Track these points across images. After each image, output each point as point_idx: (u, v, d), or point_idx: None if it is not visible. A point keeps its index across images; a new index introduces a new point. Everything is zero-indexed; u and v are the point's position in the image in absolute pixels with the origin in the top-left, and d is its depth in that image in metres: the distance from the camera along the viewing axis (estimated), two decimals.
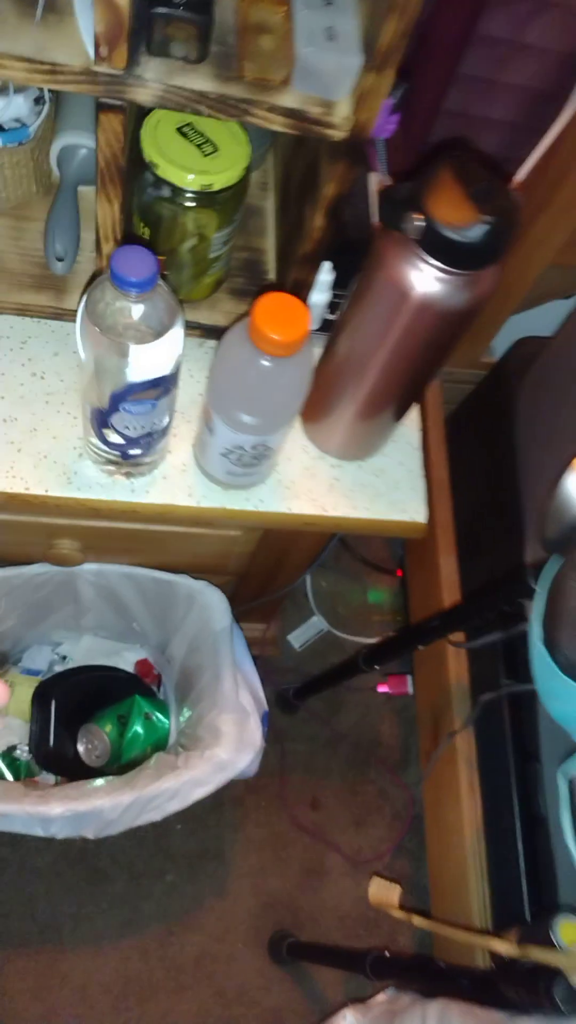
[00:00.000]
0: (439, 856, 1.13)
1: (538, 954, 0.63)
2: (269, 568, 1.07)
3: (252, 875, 1.34)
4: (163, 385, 0.61)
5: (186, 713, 1.11)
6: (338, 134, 0.59)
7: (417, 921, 0.89)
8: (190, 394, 0.80)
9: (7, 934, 1.23)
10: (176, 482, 0.76)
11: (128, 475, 0.74)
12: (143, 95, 0.55)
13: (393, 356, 0.65)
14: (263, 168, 0.92)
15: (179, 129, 0.68)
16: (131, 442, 0.67)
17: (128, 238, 0.68)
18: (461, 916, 1.02)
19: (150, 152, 0.67)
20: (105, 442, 0.68)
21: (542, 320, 1.19)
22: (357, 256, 0.86)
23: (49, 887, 1.26)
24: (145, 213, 0.72)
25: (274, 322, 0.57)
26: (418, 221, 0.54)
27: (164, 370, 0.59)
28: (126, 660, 1.27)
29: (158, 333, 0.56)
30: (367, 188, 0.81)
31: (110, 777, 1.01)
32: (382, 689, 1.49)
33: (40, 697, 1.15)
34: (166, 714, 1.19)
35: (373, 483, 0.81)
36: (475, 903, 1.00)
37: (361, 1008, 0.93)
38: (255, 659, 1.13)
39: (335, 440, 0.79)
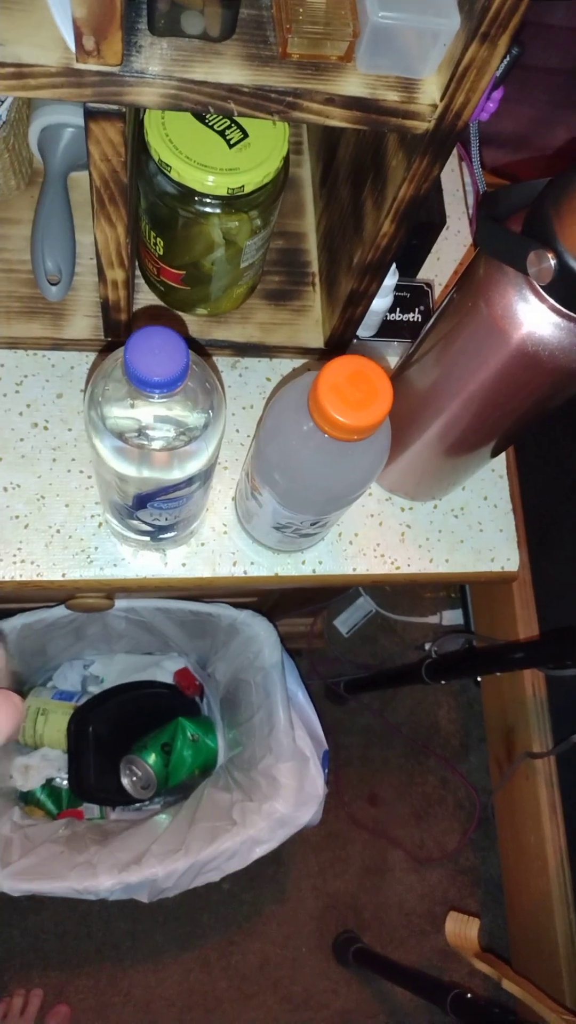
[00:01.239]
0: (517, 874, 1.06)
1: None
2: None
3: (311, 877, 1.28)
4: (200, 479, 0.47)
5: (236, 747, 1.01)
6: (422, 125, 0.42)
7: (508, 985, 0.81)
8: (226, 434, 0.66)
9: (65, 954, 1.19)
10: (216, 549, 0.63)
11: (159, 549, 0.61)
12: (148, 96, 0.39)
13: (491, 408, 0.51)
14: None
15: (196, 112, 0.51)
16: (162, 528, 0.54)
17: (149, 314, 0.52)
18: (545, 947, 0.95)
19: (159, 148, 0.50)
20: (131, 528, 0.55)
21: None
22: (422, 241, 0.69)
23: (102, 904, 1.21)
24: (156, 219, 0.56)
25: (345, 400, 0.43)
26: (548, 262, 0.38)
27: (202, 465, 0.45)
28: (165, 670, 1.17)
29: (193, 429, 0.42)
30: None
31: (160, 815, 0.94)
32: None
33: (76, 727, 1.05)
34: (212, 733, 1.10)
35: (453, 526, 0.67)
36: (562, 935, 0.93)
37: None
38: (302, 652, 1.02)
39: (408, 480, 0.65)
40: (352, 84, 0.40)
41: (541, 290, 0.40)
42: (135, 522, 0.52)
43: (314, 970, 1.24)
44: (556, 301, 0.40)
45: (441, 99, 0.40)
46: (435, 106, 0.41)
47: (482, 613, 1.24)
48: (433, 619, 1.42)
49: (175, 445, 0.42)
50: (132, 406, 0.41)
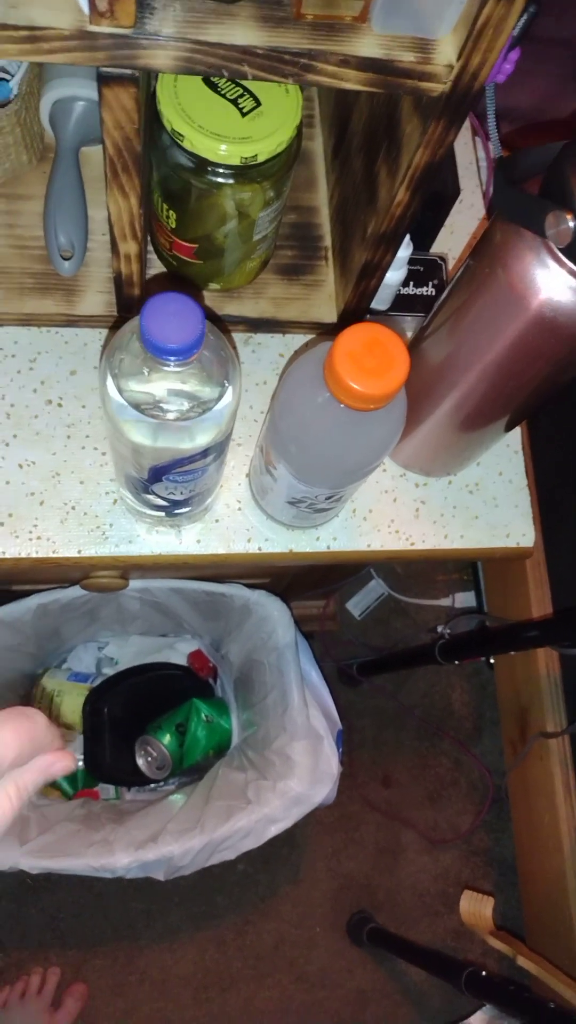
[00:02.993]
0: (531, 854, 1.06)
1: None
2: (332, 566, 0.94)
3: (326, 858, 1.29)
4: (215, 451, 0.47)
5: (250, 727, 1.01)
6: (438, 87, 0.41)
7: (523, 962, 0.81)
8: (240, 410, 0.66)
9: (81, 933, 1.20)
10: (231, 525, 0.63)
11: (174, 525, 0.61)
12: (161, 59, 0.39)
13: (508, 378, 0.50)
14: (306, 95, 0.73)
15: (208, 80, 0.51)
16: (177, 503, 0.54)
17: (163, 281, 0.52)
18: (561, 925, 0.95)
19: (172, 117, 0.50)
20: (145, 504, 0.54)
21: None
22: (436, 212, 0.69)
23: (118, 884, 1.22)
24: (169, 192, 0.56)
25: (362, 368, 0.42)
26: (568, 223, 0.38)
27: (216, 438, 0.45)
28: (179, 652, 1.18)
29: (208, 401, 0.42)
30: None
31: (175, 795, 0.94)
32: None
33: (92, 708, 1.06)
34: (226, 714, 1.10)
35: (467, 502, 0.67)
36: (575, 910, 0.93)
37: None
38: (315, 635, 1.02)
39: (423, 455, 0.65)
40: (367, 45, 0.40)
41: (560, 253, 0.40)
42: (150, 496, 0.52)
43: (329, 950, 1.25)
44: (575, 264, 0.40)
45: (457, 59, 0.40)
46: (451, 67, 0.40)
47: (495, 594, 1.23)
48: (446, 601, 1.41)
49: (190, 415, 0.41)
50: (147, 375, 0.40)
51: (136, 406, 0.42)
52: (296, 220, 0.69)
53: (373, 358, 0.42)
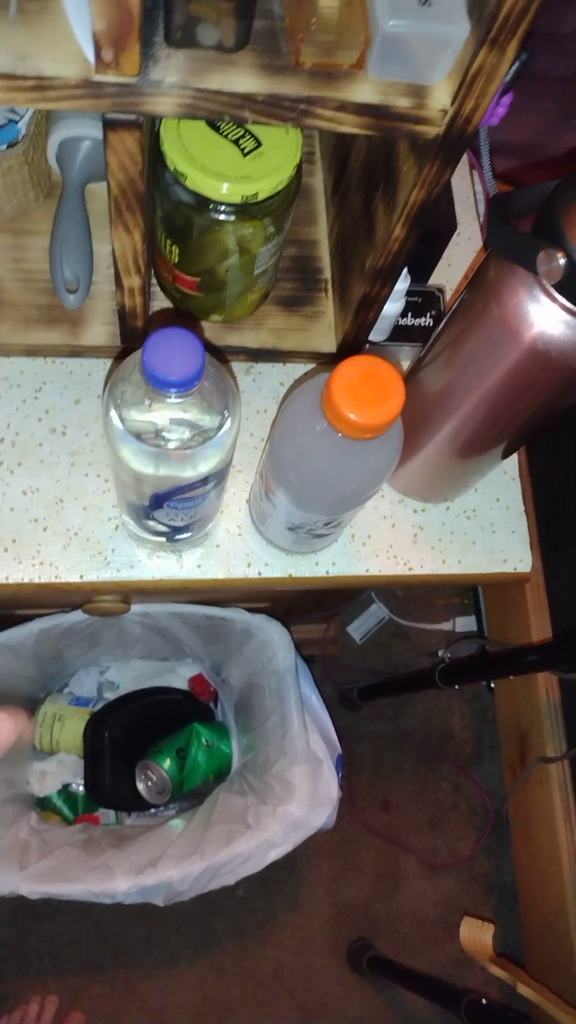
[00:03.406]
0: (531, 879, 1.05)
1: None
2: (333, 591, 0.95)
3: (325, 884, 1.28)
4: (215, 479, 0.48)
5: (250, 752, 1.01)
6: (432, 130, 0.43)
7: (523, 990, 0.81)
8: (240, 438, 0.67)
9: (80, 961, 1.20)
10: (231, 551, 0.64)
11: (175, 551, 0.62)
12: (165, 106, 0.40)
13: (503, 408, 0.51)
14: (307, 133, 0.75)
15: (210, 121, 0.52)
16: (178, 530, 0.55)
17: (165, 316, 0.53)
18: (561, 951, 0.95)
19: (175, 157, 0.51)
20: (147, 529, 0.55)
21: None
22: (432, 247, 0.70)
23: (117, 910, 1.22)
24: (172, 228, 0.57)
25: (358, 399, 0.43)
26: (558, 261, 0.39)
27: (217, 466, 0.46)
28: (180, 676, 1.18)
29: (208, 430, 0.43)
30: None
31: (175, 820, 0.94)
32: None
33: (92, 733, 1.06)
34: (227, 739, 1.10)
35: (465, 528, 0.68)
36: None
37: None
38: (315, 659, 1.02)
39: (420, 481, 0.66)
40: (364, 91, 0.41)
41: (552, 289, 0.41)
42: (151, 523, 0.53)
43: (328, 977, 1.24)
44: (567, 300, 0.41)
45: (451, 104, 0.41)
46: (445, 111, 0.42)
47: (495, 618, 1.24)
48: (446, 626, 1.42)
49: (191, 445, 0.42)
50: (149, 406, 0.42)
51: (138, 435, 0.43)
52: (297, 253, 0.71)
53: (369, 389, 0.43)
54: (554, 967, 0.97)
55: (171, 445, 0.43)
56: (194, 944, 1.22)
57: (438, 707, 1.39)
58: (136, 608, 0.88)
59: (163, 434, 0.42)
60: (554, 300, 0.41)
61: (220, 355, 0.67)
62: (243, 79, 0.40)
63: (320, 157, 0.74)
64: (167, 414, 0.43)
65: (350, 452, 0.47)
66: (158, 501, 0.48)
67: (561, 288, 0.40)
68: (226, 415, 0.44)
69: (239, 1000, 1.21)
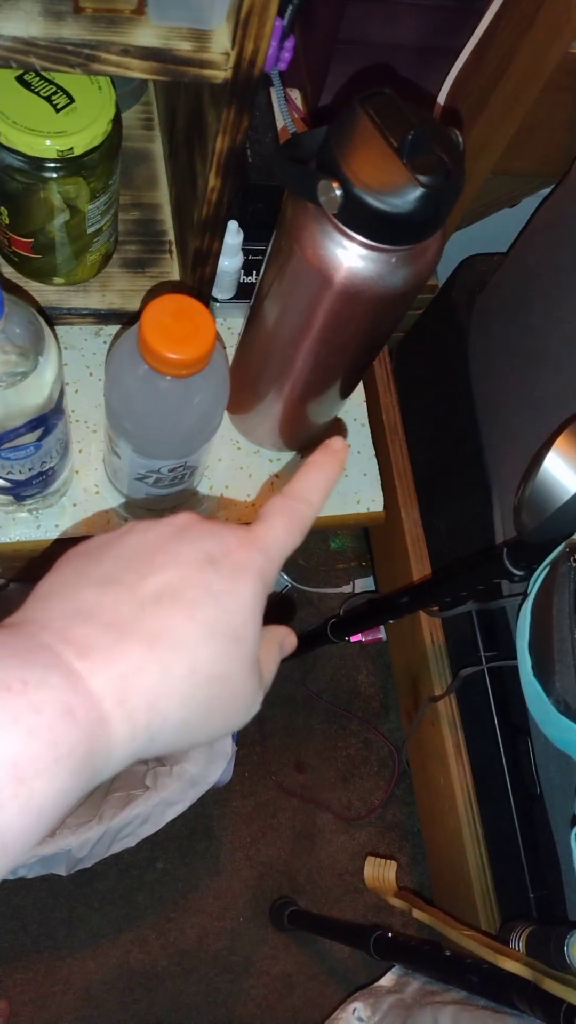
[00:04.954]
0: (432, 818, 1.10)
1: (557, 987, 0.59)
2: None
3: (244, 848, 1.31)
4: (43, 424, 0.49)
5: None
6: (219, 74, 0.45)
7: (419, 915, 0.85)
8: (93, 397, 0.68)
9: (0, 949, 1.19)
10: (90, 508, 0.65)
11: (31, 510, 0.62)
12: None
13: (323, 345, 0.54)
14: (145, 100, 0.76)
15: (20, 78, 0.53)
16: (20, 484, 0.55)
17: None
18: (460, 882, 0.99)
19: None
20: None
21: (489, 234, 1.06)
22: (268, 204, 0.72)
23: (36, 896, 1.22)
24: (0, 190, 0.58)
25: (169, 336, 0.45)
26: (335, 191, 0.42)
27: (39, 410, 0.47)
28: None
29: (20, 372, 0.44)
30: (273, 121, 0.66)
31: None
32: (355, 638, 1.43)
33: None
34: None
35: None
36: (474, 869, 0.97)
37: (370, 999, 0.90)
38: None
39: (269, 432, 0.68)
40: (146, 35, 0.43)
41: (335, 219, 0.43)
42: None
43: (253, 938, 1.26)
44: (349, 228, 0.44)
45: (232, 47, 0.43)
46: (227, 55, 0.44)
47: (384, 574, 1.28)
48: (347, 588, 1.46)
49: (2, 383, 0.43)
50: None
51: None
52: (140, 217, 0.72)
53: (179, 326, 0.45)
54: (456, 897, 1.02)
55: None
56: (116, 920, 1.23)
57: (344, 666, 1.42)
58: (14, 585, 0.88)
59: None
60: (338, 229, 0.44)
61: (50, 317, 0.68)
62: (24, 24, 0.41)
63: (159, 123, 0.75)
64: None
65: (175, 392, 0.49)
66: None
67: (342, 216, 0.43)
68: (40, 359, 0.45)
69: (165, 971, 1.23)
